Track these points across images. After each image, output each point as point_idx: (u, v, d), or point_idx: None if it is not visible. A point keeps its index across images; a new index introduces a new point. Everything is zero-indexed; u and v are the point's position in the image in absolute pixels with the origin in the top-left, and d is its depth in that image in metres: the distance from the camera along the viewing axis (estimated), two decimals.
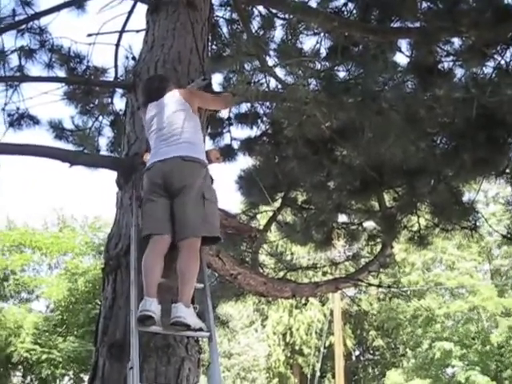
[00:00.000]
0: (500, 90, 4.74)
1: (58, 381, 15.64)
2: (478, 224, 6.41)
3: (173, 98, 3.94)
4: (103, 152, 7.51)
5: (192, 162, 3.67)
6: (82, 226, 18.08)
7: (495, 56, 5.44)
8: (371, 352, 29.12)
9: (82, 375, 15.41)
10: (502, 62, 5.38)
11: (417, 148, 5.47)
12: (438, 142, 6.17)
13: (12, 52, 6.33)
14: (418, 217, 6.64)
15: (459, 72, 5.96)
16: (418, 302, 18.26)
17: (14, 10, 6.32)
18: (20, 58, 6.38)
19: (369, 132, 5.38)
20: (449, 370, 21.74)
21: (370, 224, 7.43)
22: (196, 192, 3.59)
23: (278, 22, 7.14)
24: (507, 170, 5.87)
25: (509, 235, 6.60)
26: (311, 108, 4.73)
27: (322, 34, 6.83)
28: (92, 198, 35.95)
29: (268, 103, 6.81)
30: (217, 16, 7.21)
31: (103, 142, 7.60)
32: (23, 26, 6.45)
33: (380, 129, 5.02)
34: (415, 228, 6.78)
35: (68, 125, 7.37)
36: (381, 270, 7.24)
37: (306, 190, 7.28)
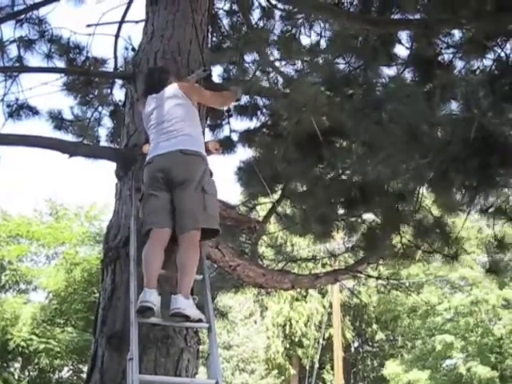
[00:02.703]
0: (503, 112, 4.68)
1: (56, 371, 15.67)
2: (458, 253, 6.35)
3: (172, 92, 3.91)
4: (103, 142, 7.50)
5: (192, 156, 3.67)
6: (77, 215, 17.98)
7: (495, 48, 5.44)
8: (370, 344, 29.20)
9: (80, 366, 15.44)
10: (502, 55, 5.38)
11: (406, 168, 5.42)
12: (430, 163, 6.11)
13: (11, 42, 6.30)
14: (401, 237, 6.53)
15: (459, 64, 5.97)
16: (416, 295, 18.24)
17: (12, 0, 6.30)
18: (19, 49, 6.35)
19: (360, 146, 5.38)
20: (447, 362, 21.82)
21: (368, 216, 7.42)
22: (196, 185, 3.59)
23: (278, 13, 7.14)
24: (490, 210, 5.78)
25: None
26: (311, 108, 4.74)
27: (323, 26, 6.83)
28: (84, 186, 35.83)
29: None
30: (217, 7, 7.19)
31: (103, 133, 7.60)
32: (22, 17, 6.42)
33: (376, 140, 4.96)
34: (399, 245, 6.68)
35: (67, 115, 7.37)
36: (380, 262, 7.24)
37: (304, 183, 7.27)
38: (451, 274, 21.65)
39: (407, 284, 20.30)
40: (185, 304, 3.30)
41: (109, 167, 4.52)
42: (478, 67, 5.68)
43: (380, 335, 27.20)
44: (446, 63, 5.92)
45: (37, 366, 14.79)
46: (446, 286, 23.99)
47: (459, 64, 5.97)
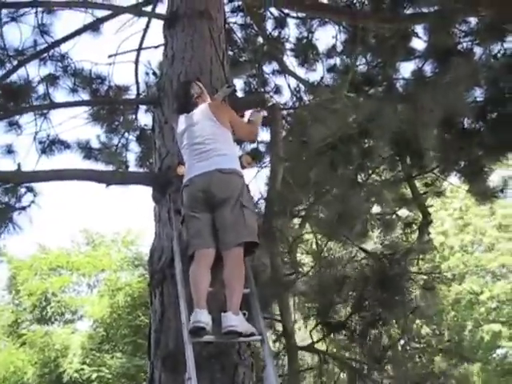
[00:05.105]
0: None
1: None
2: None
3: (203, 111, 3.92)
4: (132, 167, 7.62)
5: (230, 174, 3.68)
6: (114, 242, 18.12)
7: None
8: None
9: None
10: None
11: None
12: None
13: (39, 83, 6.44)
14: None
15: (479, 51, 5.94)
16: (459, 285, 17.96)
17: (35, 41, 6.46)
18: (47, 86, 6.48)
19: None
20: (498, 352, 21.38)
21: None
22: (235, 202, 3.61)
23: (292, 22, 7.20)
24: None
25: None
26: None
27: (338, 29, 6.87)
28: (116, 214, 36.05)
29: (291, 104, 6.84)
30: (230, 22, 7.26)
31: (131, 158, 7.72)
32: (45, 55, 6.57)
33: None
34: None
35: (95, 144, 7.51)
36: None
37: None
38: (491, 264, 21.35)
39: (449, 276, 20.02)
40: (236, 321, 3.31)
41: (140, 192, 4.57)
42: (499, 51, 5.64)
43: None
44: (466, 51, 5.89)
45: None
46: (488, 276, 23.61)
47: (478, 51, 5.94)
